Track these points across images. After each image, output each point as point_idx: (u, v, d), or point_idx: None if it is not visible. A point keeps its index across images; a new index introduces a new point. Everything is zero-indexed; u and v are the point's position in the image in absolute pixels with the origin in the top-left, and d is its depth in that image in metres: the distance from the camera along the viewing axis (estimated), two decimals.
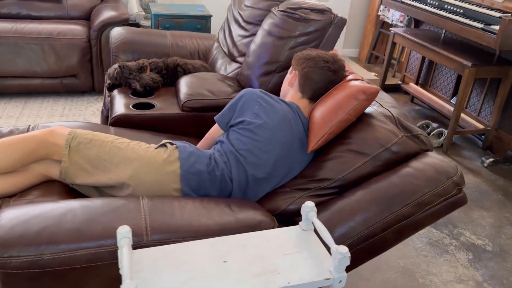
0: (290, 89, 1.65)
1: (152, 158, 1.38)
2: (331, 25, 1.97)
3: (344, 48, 5.27)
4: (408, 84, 4.02)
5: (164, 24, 3.58)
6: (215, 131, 1.62)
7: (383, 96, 1.72)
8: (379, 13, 4.75)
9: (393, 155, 1.44)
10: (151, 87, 2.16)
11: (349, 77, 1.63)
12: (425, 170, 1.36)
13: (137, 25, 4.25)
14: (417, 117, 3.74)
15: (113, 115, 1.93)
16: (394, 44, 3.84)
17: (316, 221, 1.05)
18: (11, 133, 1.71)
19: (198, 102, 1.98)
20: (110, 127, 1.85)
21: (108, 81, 2.22)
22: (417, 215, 1.30)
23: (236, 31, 2.48)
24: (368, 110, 1.58)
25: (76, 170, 1.37)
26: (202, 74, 2.21)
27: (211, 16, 3.73)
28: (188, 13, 3.69)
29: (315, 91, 1.60)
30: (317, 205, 1.44)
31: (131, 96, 2.13)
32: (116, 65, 2.21)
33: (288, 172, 1.53)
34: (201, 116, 2.01)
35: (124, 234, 0.92)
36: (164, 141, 1.47)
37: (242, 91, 1.54)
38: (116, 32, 2.81)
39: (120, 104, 2.03)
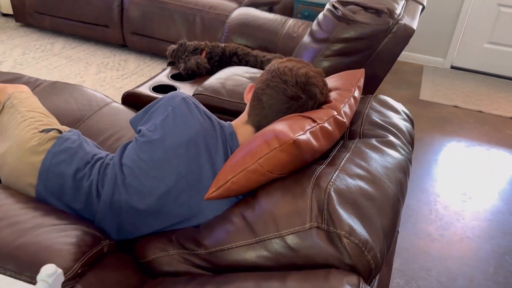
0: (246, 108, 1.18)
1: (23, 141, 1.19)
2: (388, 34, 1.32)
3: None
4: None
5: (303, 12, 3.20)
6: None
7: (365, 150, 1.05)
8: None
9: (286, 251, 0.86)
10: (193, 72, 1.93)
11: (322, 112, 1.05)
12: None
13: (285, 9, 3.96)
14: None
15: (124, 92, 1.81)
16: None
17: None
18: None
19: (207, 98, 1.66)
20: (113, 103, 1.73)
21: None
22: None
23: None
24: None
25: None
26: (249, 69, 1.85)
27: None
28: None
29: (262, 119, 1.10)
30: (183, 274, 1.00)
31: (170, 77, 1.95)
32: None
33: (192, 215, 1.10)
34: None
35: None
36: (61, 127, 1.26)
37: (168, 94, 1.17)
38: (237, 13, 2.65)
39: (148, 83, 1.89)
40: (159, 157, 1.07)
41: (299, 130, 0.92)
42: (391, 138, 1.12)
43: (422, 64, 3.96)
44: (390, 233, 0.92)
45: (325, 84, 1.11)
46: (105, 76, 3.15)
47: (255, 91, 1.11)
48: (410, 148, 1.16)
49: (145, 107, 1.18)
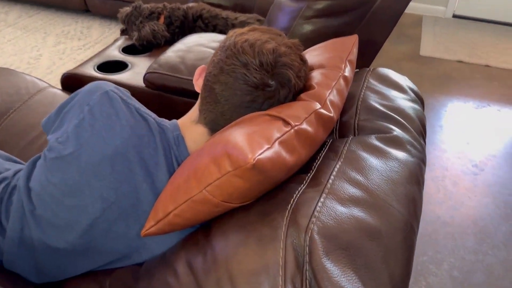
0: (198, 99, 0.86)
1: None
2: None
3: None
4: None
5: None
6: None
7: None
8: None
9: None
10: (149, 42, 1.59)
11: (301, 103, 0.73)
12: None
13: None
14: None
15: (64, 73, 1.47)
16: None
17: None
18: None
19: (163, 78, 1.33)
20: (49, 88, 1.40)
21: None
22: None
23: None
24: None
25: None
26: (216, 36, 1.50)
27: None
28: None
29: (217, 117, 0.78)
30: None
31: (121, 51, 1.61)
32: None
33: (132, 251, 0.82)
34: (168, 98, 1.35)
35: None
36: None
37: (86, 86, 0.84)
38: None
39: (94, 60, 1.54)
40: (74, 180, 0.76)
41: (262, 142, 0.61)
42: (397, 132, 0.82)
43: (421, 14, 3.57)
44: (403, 285, 0.63)
45: (303, 63, 0.79)
46: (65, 47, 2.78)
47: (206, 78, 0.79)
48: (423, 142, 0.86)
49: (59, 105, 0.86)
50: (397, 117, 0.86)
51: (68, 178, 0.76)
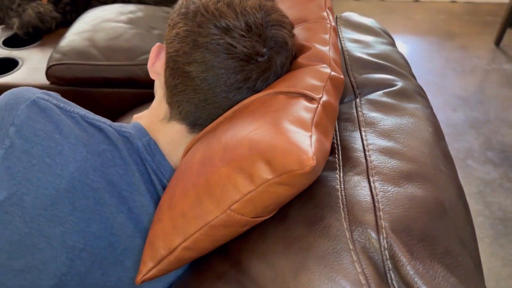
0: (157, 90, 0.66)
1: None
2: None
3: None
4: None
5: None
6: None
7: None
8: None
9: None
10: (36, 28, 1.28)
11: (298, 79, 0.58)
12: None
13: None
14: None
15: None
16: None
17: None
18: None
19: (73, 68, 1.07)
20: None
21: None
22: None
23: None
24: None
25: None
26: (123, 7, 1.25)
27: None
28: None
29: (199, 108, 0.60)
30: None
31: (2, 44, 1.27)
32: None
33: None
34: (84, 93, 1.10)
35: None
36: None
37: (1, 96, 0.59)
38: None
39: None
40: (22, 233, 0.54)
41: (301, 132, 0.45)
42: (401, 82, 0.70)
43: None
44: (476, 253, 0.54)
45: (287, 18, 0.63)
46: None
47: (172, 60, 0.59)
48: (420, 85, 0.76)
49: None
50: (391, 65, 0.74)
51: (11, 233, 0.54)
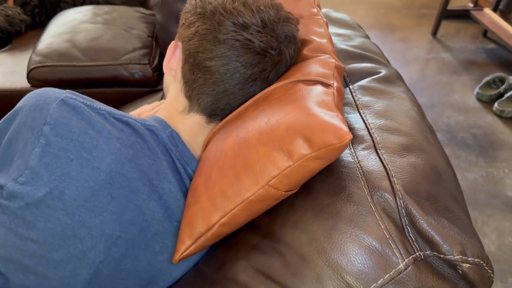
0: (171, 85, 0.71)
1: None
2: None
3: None
4: (483, 10, 2.77)
5: None
6: None
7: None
8: None
9: None
10: (6, 32, 1.25)
11: (309, 67, 0.65)
12: None
13: None
14: (488, 63, 2.58)
15: None
16: None
17: None
18: None
19: (57, 71, 1.07)
20: None
21: None
22: None
23: None
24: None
25: None
26: (97, 8, 1.26)
27: None
28: None
29: (217, 99, 0.65)
30: None
31: None
32: None
33: (146, 283, 0.66)
34: None
35: None
36: None
37: (23, 101, 0.61)
38: None
39: None
40: (64, 225, 0.57)
41: (330, 113, 0.52)
42: (384, 70, 0.80)
43: None
44: (466, 209, 0.64)
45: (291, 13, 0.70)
46: None
47: (193, 57, 0.64)
48: (398, 71, 0.86)
49: None
50: (371, 55, 0.84)
51: (54, 226, 0.57)
